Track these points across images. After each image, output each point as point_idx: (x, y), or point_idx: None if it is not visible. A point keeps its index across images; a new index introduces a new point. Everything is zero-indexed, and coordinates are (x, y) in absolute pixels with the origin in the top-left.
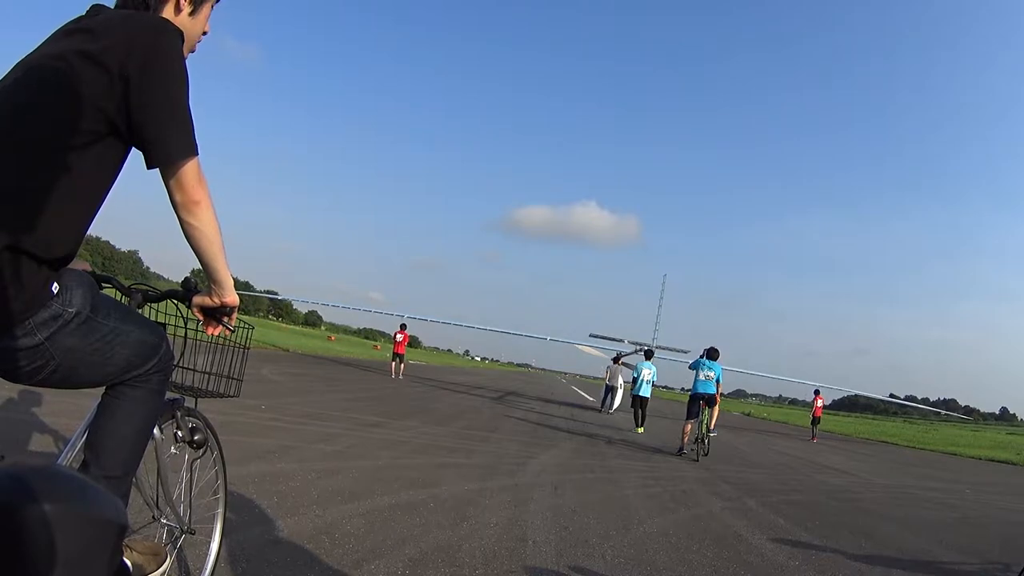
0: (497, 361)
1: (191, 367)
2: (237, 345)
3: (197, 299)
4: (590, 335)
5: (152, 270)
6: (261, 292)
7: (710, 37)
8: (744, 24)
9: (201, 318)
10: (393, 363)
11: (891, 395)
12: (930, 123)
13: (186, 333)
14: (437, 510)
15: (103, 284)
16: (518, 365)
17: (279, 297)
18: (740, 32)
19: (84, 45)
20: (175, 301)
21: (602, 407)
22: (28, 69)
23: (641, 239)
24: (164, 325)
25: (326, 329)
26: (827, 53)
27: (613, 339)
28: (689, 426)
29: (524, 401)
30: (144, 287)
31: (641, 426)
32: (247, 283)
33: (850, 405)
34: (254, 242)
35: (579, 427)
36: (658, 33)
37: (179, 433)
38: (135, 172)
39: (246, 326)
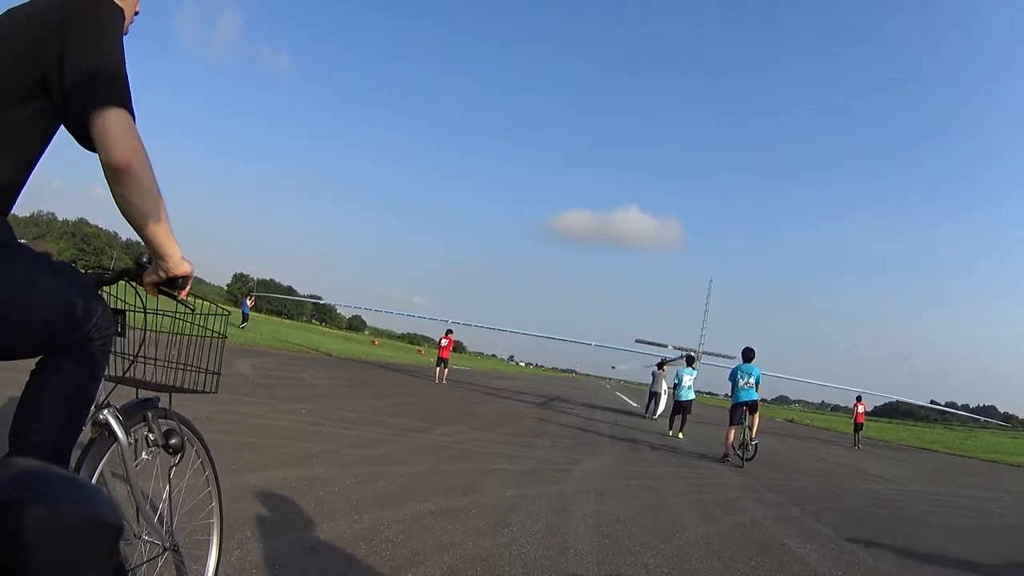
0: (541, 366)
1: (157, 359)
2: (213, 334)
3: (147, 276)
4: (636, 340)
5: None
6: (305, 297)
7: (748, 41)
8: (790, 31)
9: (155, 294)
10: (438, 368)
11: (932, 401)
12: (973, 123)
13: (145, 311)
14: (478, 516)
15: None
16: (563, 370)
17: (322, 302)
18: (784, 39)
19: (30, 8)
20: (129, 281)
21: (646, 413)
22: None
23: (685, 243)
24: (124, 312)
25: (369, 334)
26: (877, 56)
27: (659, 344)
28: (732, 432)
29: (568, 407)
30: (99, 269)
31: (681, 431)
32: (290, 287)
33: (891, 411)
34: (298, 247)
35: (623, 433)
36: (693, 40)
37: (151, 436)
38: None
39: (222, 312)
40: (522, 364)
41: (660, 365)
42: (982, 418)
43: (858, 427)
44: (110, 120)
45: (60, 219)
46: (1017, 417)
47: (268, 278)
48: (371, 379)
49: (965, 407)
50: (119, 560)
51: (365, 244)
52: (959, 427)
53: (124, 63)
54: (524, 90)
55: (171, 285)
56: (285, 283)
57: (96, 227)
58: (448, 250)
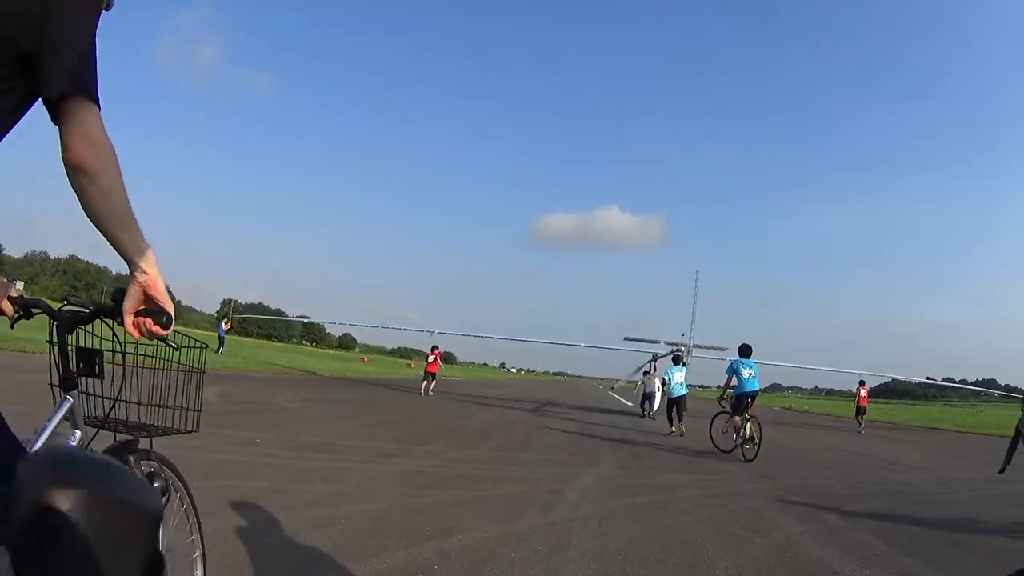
0: (533, 371)
1: (135, 400)
2: (190, 369)
3: (128, 305)
4: (625, 338)
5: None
6: (294, 318)
7: (709, 39)
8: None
9: (136, 335)
10: (424, 382)
11: (928, 378)
12: (943, 98)
13: (124, 352)
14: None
15: (32, 309)
16: (555, 374)
17: (311, 320)
18: (745, 34)
19: None
20: (105, 319)
21: (643, 412)
22: None
23: (669, 239)
24: (101, 352)
25: (360, 351)
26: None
27: (649, 341)
28: (737, 419)
29: (561, 411)
30: (75, 308)
31: (678, 426)
32: (279, 310)
33: (887, 391)
34: (287, 271)
35: (620, 435)
36: (658, 38)
37: None
38: None
39: (199, 345)
40: (513, 370)
41: (651, 361)
42: (983, 391)
43: (861, 411)
44: (77, 111)
45: (52, 257)
46: (1020, 388)
47: (257, 302)
48: (352, 398)
49: (964, 382)
50: (157, 547)
51: (354, 264)
52: (960, 402)
53: (95, 46)
54: (494, 99)
55: (156, 319)
56: (274, 306)
57: (86, 263)
58: (435, 263)
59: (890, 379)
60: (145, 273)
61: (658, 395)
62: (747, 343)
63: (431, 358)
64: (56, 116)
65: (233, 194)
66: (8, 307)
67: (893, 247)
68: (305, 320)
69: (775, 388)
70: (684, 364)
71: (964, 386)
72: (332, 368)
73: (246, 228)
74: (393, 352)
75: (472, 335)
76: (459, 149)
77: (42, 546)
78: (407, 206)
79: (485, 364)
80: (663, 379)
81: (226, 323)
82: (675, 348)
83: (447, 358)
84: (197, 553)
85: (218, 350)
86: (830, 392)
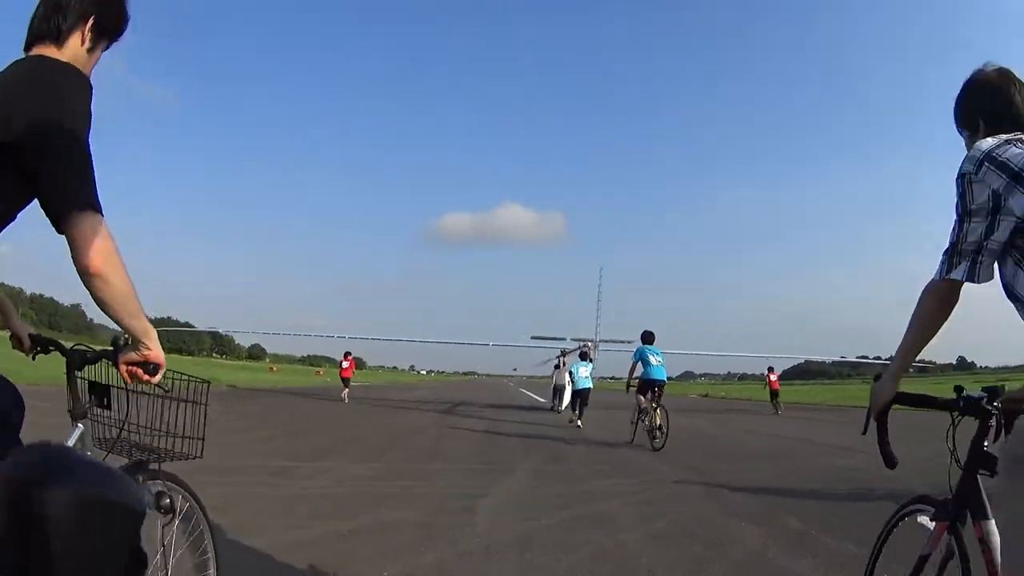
0: (443, 372)
1: (142, 427)
2: (195, 402)
3: (123, 358)
4: (531, 337)
5: (97, 322)
6: (202, 329)
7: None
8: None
9: (129, 380)
10: (346, 389)
11: (842, 356)
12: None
13: (127, 389)
14: None
15: (48, 347)
16: (464, 374)
17: (219, 331)
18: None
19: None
20: (109, 361)
21: (553, 406)
22: None
23: (569, 234)
24: (109, 386)
25: (270, 361)
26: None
27: (555, 338)
28: (644, 404)
29: (472, 411)
30: (83, 348)
31: (580, 418)
32: (187, 323)
33: (802, 372)
34: (191, 283)
35: (535, 434)
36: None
37: None
38: None
39: (202, 381)
40: (423, 372)
41: (560, 356)
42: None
43: (774, 394)
44: (81, 224)
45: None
46: (934, 362)
47: (165, 316)
48: (252, 410)
49: (878, 359)
50: (140, 545)
51: (258, 276)
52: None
53: (90, 154)
54: (394, 100)
55: (144, 368)
56: (183, 319)
57: (39, 295)
58: (337, 271)
59: (803, 360)
60: (149, 349)
61: (568, 388)
62: (649, 330)
63: (345, 364)
64: (60, 228)
65: (130, 210)
66: (27, 343)
67: (789, 230)
68: (213, 331)
69: (687, 376)
70: (591, 360)
71: (878, 361)
72: (238, 379)
73: (148, 245)
74: (303, 360)
75: (381, 339)
76: (357, 152)
77: (23, 538)
78: (305, 214)
79: (395, 367)
80: (570, 373)
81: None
82: (582, 344)
83: (357, 363)
84: (211, 568)
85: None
86: (743, 377)
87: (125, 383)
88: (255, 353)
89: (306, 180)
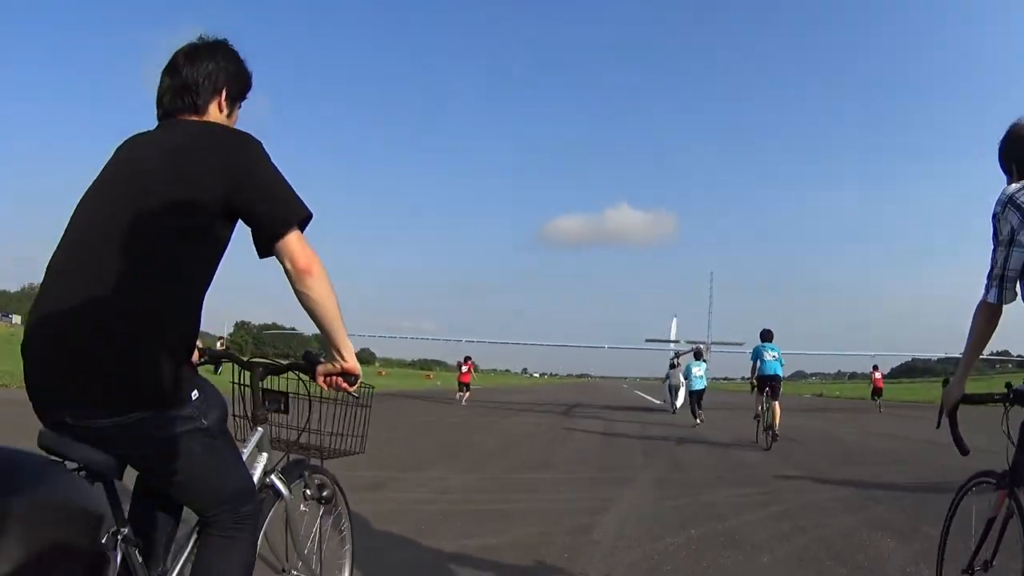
0: (556, 375)
1: (317, 429)
2: (360, 405)
3: (321, 368)
4: (646, 340)
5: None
6: (309, 335)
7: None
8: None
9: (325, 388)
10: (460, 392)
11: (946, 355)
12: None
13: (310, 397)
14: None
15: (223, 359)
16: (578, 376)
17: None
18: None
19: (168, 144)
20: (298, 373)
21: (671, 407)
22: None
23: (680, 235)
24: (287, 394)
25: (380, 365)
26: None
27: (669, 340)
28: (761, 401)
29: (587, 412)
30: (265, 361)
31: (699, 418)
32: (292, 327)
33: (909, 371)
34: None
35: (652, 434)
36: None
37: (308, 491)
38: None
39: (368, 387)
40: (536, 375)
41: (674, 358)
42: (998, 362)
43: (877, 392)
44: (291, 241)
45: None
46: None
47: (270, 322)
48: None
49: (991, 354)
50: (99, 550)
51: (364, 277)
52: (977, 375)
53: (281, 174)
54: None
55: (344, 378)
56: (288, 324)
57: None
58: (449, 273)
59: (910, 357)
60: (347, 361)
61: (682, 389)
62: (768, 328)
63: (464, 368)
64: (277, 250)
65: None
66: (195, 356)
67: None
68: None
69: (799, 375)
70: (704, 360)
71: (981, 358)
72: None
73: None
74: (413, 364)
75: (494, 342)
76: (466, 153)
77: None
78: (415, 216)
79: (507, 370)
80: (685, 373)
81: (220, 344)
82: (694, 345)
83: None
84: (347, 552)
85: (217, 371)
86: (852, 375)
87: (307, 391)
88: (364, 357)
89: (403, 175)
